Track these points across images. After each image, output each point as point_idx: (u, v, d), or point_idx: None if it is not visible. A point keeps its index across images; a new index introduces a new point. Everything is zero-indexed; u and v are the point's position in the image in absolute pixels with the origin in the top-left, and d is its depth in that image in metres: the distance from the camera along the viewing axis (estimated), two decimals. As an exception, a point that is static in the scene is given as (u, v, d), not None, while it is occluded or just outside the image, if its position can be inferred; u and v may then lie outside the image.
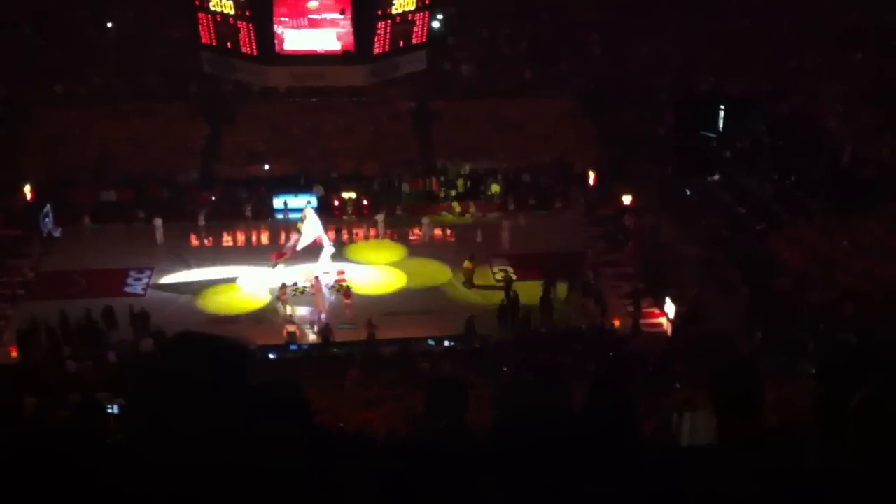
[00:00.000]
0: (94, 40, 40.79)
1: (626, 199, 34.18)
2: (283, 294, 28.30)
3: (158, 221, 33.17)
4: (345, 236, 34.22)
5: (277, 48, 24.12)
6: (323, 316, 27.69)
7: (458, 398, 4.70)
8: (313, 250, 30.33)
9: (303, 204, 34.11)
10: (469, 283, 30.15)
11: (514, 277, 29.63)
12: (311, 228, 30.22)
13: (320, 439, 3.19)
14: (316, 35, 24.28)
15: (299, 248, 30.27)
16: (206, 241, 33.91)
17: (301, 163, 37.86)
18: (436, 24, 36.22)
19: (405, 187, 37.63)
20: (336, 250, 31.07)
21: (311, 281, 29.31)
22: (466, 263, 30.41)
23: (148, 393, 2.48)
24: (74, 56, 39.61)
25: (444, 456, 2.99)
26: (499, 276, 30.58)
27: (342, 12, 24.00)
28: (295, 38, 24.25)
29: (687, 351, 23.91)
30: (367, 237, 34.78)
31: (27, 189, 34.75)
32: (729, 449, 3.67)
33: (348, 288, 29.41)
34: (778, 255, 28.83)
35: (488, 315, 27.10)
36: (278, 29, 23.96)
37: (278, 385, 2.86)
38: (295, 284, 29.39)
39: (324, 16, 24.08)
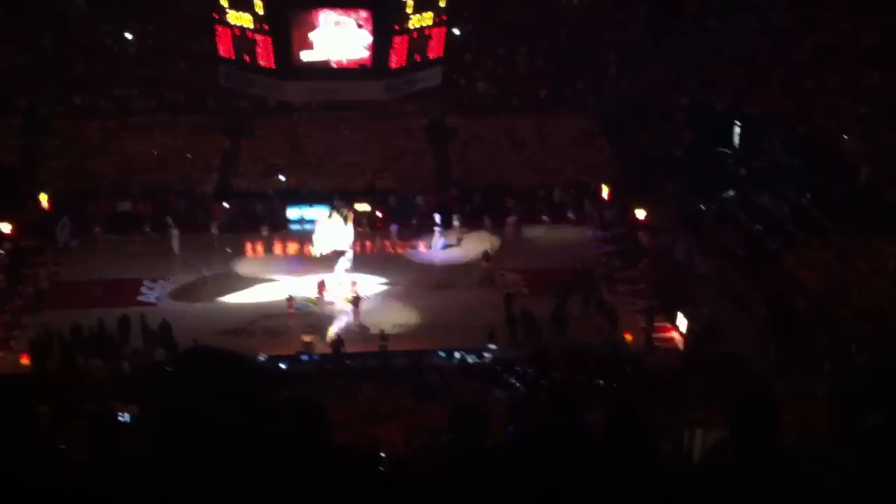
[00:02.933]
0: (115, 53, 41.12)
1: (641, 216, 34.09)
2: (291, 306, 28.79)
3: (175, 231, 33.20)
4: (357, 248, 34.23)
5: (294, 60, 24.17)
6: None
7: (479, 422, 4.72)
8: (328, 262, 30.55)
9: (318, 216, 34.15)
10: (489, 283, 30.55)
11: (524, 293, 29.64)
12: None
13: (338, 456, 3.19)
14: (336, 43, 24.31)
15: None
16: (219, 252, 33.87)
17: (318, 176, 37.94)
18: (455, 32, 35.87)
19: (419, 200, 37.62)
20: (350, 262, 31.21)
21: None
22: (484, 263, 31.01)
23: (166, 408, 2.47)
24: (95, 69, 39.96)
25: (461, 473, 2.99)
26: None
27: (359, 27, 24.13)
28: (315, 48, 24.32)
29: (702, 369, 23.75)
30: (379, 249, 34.74)
31: (44, 199, 34.99)
32: (742, 468, 3.65)
33: (358, 298, 29.50)
34: (794, 274, 28.62)
35: (503, 328, 27.08)
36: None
37: (298, 401, 2.86)
38: (289, 296, 29.40)
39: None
